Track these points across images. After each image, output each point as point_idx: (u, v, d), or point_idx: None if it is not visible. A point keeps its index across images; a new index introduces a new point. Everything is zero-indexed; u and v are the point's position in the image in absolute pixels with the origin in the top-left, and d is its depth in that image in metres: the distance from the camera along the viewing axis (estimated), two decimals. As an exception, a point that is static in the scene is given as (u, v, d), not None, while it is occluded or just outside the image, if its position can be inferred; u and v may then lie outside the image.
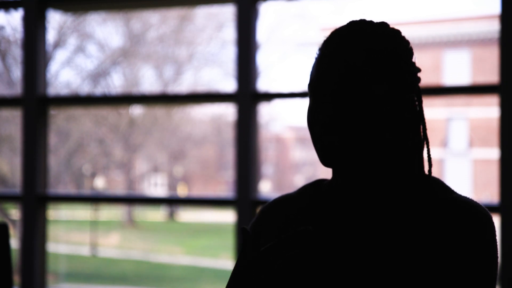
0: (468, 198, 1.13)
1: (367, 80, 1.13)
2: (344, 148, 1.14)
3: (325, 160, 1.15)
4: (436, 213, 1.11)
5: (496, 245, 1.10)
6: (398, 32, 1.20)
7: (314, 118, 1.16)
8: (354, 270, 1.12)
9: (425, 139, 1.19)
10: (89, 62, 18.07)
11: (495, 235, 1.10)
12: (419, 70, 1.20)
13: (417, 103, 1.19)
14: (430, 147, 1.20)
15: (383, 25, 1.19)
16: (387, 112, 1.14)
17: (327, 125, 1.14)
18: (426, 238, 1.10)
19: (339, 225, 1.17)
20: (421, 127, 1.19)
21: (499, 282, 2.53)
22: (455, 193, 1.15)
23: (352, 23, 1.19)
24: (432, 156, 1.20)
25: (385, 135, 1.15)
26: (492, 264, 1.08)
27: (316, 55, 1.19)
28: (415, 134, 1.18)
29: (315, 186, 1.27)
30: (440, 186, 1.16)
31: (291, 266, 1.14)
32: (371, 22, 1.19)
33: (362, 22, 1.19)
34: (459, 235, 1.08)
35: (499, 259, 1.10)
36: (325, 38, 1.19)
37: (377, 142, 1.15)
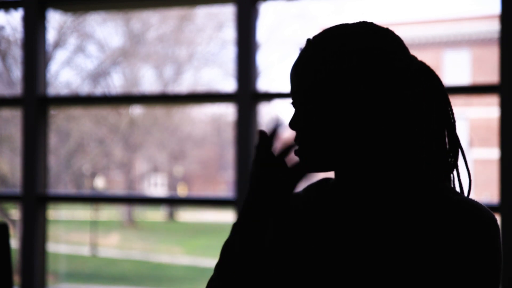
0: (472, 200, 1.11)
1: (346, 83, 1.11)
2: (326, 152, 1.14)
3: (309, 168, 1.16)
4: (439, 214, 1.10)
5: (500, 248, 1.08)
6: (384, 30, 1.15)
7: (295, 125, 1.17)
8: (354, 270, 1.12)
9: (451, 135, 1.15)
10: (89, 62, 18.06)
11: (499, 238, 1.09)
12: (421, 63, 1.16)
13: (433, 98, 1.15)
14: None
15: (363, 24, 1.15)
16: (366, 113, 1.12)
17: (307, 132, 1.15)
18: (429, 239, 1.09)
19: (344, 225, 1.17)
20: (442, 124, 1.15)
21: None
22: (460, 194, 1.13)
23: (326, 29, 1.16)
24: (455, 160, 1.16)
25: (371, 136, 1.13)
26: (494, 266, 1.07)
27: (291, 66, 1.18)
28: (419, 134, 1.15)
29: (321, 185, 1.27)
30: (444, 187, 1.15)
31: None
32: (348, 24, 1.16)
33: (338, 26, 1.16)
34: (462, 237, 1.07)
35: (502, 262, 1.10)
36: (299, 49, 1.18)
37: (365, 144, 1.14)
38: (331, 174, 1.25)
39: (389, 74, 1.12)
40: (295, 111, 1.18)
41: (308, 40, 1.17)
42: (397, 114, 1.13)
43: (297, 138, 1.17)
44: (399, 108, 1.13)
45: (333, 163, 1.15)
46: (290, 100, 1.19)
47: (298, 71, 1.15)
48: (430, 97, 1.15)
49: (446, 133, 1.16)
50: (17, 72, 13.24)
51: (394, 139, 1.15)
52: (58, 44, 14.49)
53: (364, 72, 1.11)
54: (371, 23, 1.16)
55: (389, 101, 1.13)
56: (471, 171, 1.15)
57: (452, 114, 1.15)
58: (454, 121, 1.16)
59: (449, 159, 1.16)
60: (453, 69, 18.47)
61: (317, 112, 1.13)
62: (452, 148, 1.16)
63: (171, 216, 21.42)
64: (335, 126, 1.13)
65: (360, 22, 1.16)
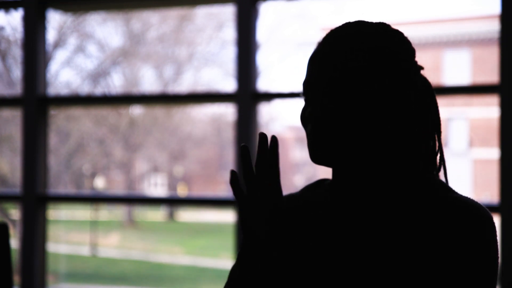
0: (468, 198, 1.13)
1: (362, 80, 1.15)
2: (334, 144, 1.16)
3: (314, 157, 1.17)
4: (436, 212, 1.11)
5: (496, 246, 1.10)
6: (398, 32, 1.20)
7: (306, 117, 1.18)
8: (354, 268, 1.12)
9: (439, 139, 1.19)
10: (89, 62, 18.06)
11: (495, 236, 1.10)
12: (421, 68, 1.20)
13: (428, 102, 1.18)
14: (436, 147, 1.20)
15: (383, 25, 1.20)
16: (382, 111, 1.15)
17: (317, 124, 1.16)
18: (426, 237, 1.10)
19: (341, 224, 1.18)
20: (433, 127, 1.19)
21: (499, 282, 2.53)
22: (456, 192, 1.15)
23: (347, 24, 1.20)
24: (444, 157, 1.20)
25: (379, 133, 1.16)
26: (492, 264, 1.08)
27: (310, 55, 1.20)
28: (419, 133, 1.18)
29: (317, 186, 1.28)
30: (440, 186, 1.16)
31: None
32: (366, 22, 1.20)
33: (357, 22, 1.20)
34: (459, 234, 1.08)
35: (499, 260, 1.10)
36: (320, 38, 1.21)
37: (370, 140, 1.16)
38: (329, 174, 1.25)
39: (402, 73, 1.17)
40: (307, 104, 1.19)
41: (328, 33, 1.20)
42: (400, 111, 1.17)
43: (308, 130, 1.18)
44: (402, 106, 1.17)
45: (341, 156, 1.17)
46: (302, 91, 1.21)
47: (316, 64, 1.18)
48: (426, 99, 1.19)
49: (435, 134, 1.20)
50: (17, 72, 13.23)
51: (396, 135, 1.17)
52: (58, 44, 14.48)
53: (377, 70, 1.15)
54: (386, 24, 1.21)
55: (394, 99, 1.16)
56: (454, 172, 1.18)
57: (440, 118, 1.20)
58: (440, 125, 1.21)
59: (439, 158, 1.20)
60: (453, 69, 18.47)
61: (331, 105, 1.15)
62: (440, 148, 1.20)
63: (171, 216, 21.42)
64: (346, 119, 1.15)
65: (378, 22, 1.20)
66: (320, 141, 1.16)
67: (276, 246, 1.12)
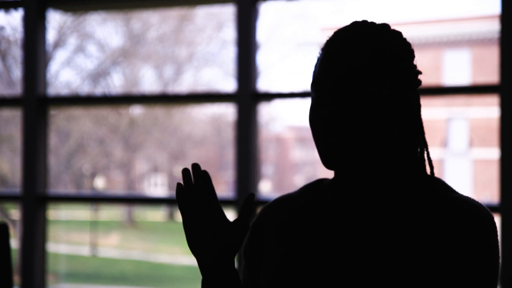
0: (469, 198, 1.13)
1: (367, 81, 1.14)
2: (344, 148, 1.15)
3: (327, 160, 1.16)
4: (437, 212, 1.12)
5: (497, 245, 1.10)
6: (399, 33, 1.21)
7: (315, 118, 1.17)
8: (355, 267, 1.12)
9: (423, 139, 1.20)
10: (89, 62, 18.05)
11: (496, 235, 1.11)
12: (420, 72, 1.21)
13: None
14: (430, 147, 1.21)
15: (385, 26, 1.21)
16: (387, 112, 1.15)
17: (328, 125, 1.15)
18: (428, 237, 1.10)
19: (341, 222, 1.18)
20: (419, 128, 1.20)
21: (499, 281, 2.53)
22: (457, 192, 1.16)
23: (355, 24, 1.20)
24: (431, 157, 1.21)
25: (385, 134, 1.16)
26: (493, 263, 1.09)
27: (318, 55, 1.20)
28: (417, 134, 1.19)
29: (317, 185, 1.27)
30: (441, 186, 1.17)
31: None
32: (373, 23, 1.20)
33: (365, 23, 1.20)
34: (460, 234, 1.09)
35: (500, 259, 1.11)
36: (328, 38, 1.21)
37: (377, 142, 1.16)
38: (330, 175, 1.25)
39: (407, 75, 1.18)
40: (315, 103, 1.18)
41: (336, 33, 1.20)
42: (401, 112, 1.17)
43: (318, 133, 1.17)
44: (403, 107, 1.17)
45: (351, 157, 1.16)
46: (311, 90, 1.20)
47: (324, 63, 1.17)
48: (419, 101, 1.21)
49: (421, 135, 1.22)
50: (17, 72, 13.24)
51: (398, 136, 1.17)
52: (58, 44, 14.48)
53: (381, 70, 1.15)
54: (388, 25, 1.21)
55: (396, 100, 1.16)
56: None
57: (422, 119, 1.22)
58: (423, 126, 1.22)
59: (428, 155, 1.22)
60: (453, 69, 18.47)
61: (339, 105, 1.15)
62: (427, 148, 1.22)
63: (171, 216, 21.41)
64: (352, 119, 1.14)
65: (381, 23, 1.21)
66: (333, 142, 1.15)
67: (219, 269, 1.16)
